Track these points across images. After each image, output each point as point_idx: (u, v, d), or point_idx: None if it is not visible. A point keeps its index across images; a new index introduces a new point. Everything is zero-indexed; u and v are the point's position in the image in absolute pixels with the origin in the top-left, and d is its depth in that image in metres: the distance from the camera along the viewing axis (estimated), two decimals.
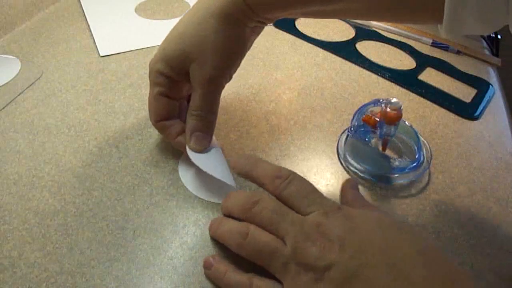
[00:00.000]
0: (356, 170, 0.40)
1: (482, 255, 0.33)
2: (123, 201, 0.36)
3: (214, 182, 0.37)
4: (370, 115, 0.40)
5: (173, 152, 0.41)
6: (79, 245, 0.33)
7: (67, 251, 0.32)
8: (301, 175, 0.39)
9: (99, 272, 0.31)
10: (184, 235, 0.34)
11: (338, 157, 0.42)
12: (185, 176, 0.38)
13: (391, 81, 0.53)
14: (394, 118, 0.38)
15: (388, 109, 0.38)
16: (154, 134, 0.43)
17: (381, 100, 0.39)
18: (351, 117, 0.44)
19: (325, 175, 0.40)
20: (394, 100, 0.38)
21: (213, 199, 0.36)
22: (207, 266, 0.30)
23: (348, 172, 0.40)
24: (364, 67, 0.56)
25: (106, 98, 0.48)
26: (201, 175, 0.38)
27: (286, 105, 0.49)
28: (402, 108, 0.38)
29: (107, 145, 0.42)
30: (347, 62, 0.58)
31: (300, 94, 0.51)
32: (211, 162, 0.36)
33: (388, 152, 0.42)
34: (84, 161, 0.40)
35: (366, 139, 0.40)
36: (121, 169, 0.39)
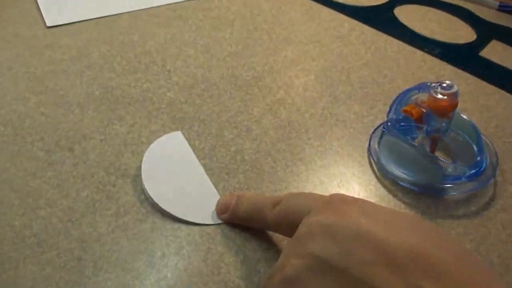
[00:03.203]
0: (394, 179, 0.40)
1: None
2: (80, 223, 0.36)
3: (192, 194, 0.38)
4: (414, 104, 0.40)
5: None
6: (20, 284, 0.33)
7: None
8: (321, 185, 0.40)
9: None
10: (162, 268, 0.34)
11: (370, 161, 0.42)
12: (153, 186, 0.39)
13: (441, 59, 0.54)
14: (447, 108, 0.38)
15: (439, 96, 0.38)
16: (121, 132, 0.43)
17: (429, 84, 0.40)
18: (387, 108, 0.44)
19: (352, 186, 0.40)
20: (447, 83, 0.38)
21: (192, 218, 0.37)
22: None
23: (382, 182, 0.40)
24: (405, 41, 0.56)
25: (56, 84, 0.48)
26: (174, 184, 0.39)
27: (299, 92, 0.49)
28: (458, 94, 0.38)
29: (57, 147, 0.42)
30: (381, 33, 0.58)
31: (318, 78, 0.51)
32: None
33: (437, 154, 0.42)
34: (26, 169, 0.40)
35: (408, 137, 0.40)
36: (76, 179, 0.39)
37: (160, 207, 0.37)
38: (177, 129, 0.44)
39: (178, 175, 0.40)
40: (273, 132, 0.44)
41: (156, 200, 0.38)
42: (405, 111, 0.40)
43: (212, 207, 0.37)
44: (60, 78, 0.49)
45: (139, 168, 0.40)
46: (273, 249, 0.35)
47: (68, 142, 0.42)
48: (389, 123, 0.41)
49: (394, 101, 0.43)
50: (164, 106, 0.46)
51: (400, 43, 0.56)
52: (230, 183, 0.40)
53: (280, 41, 0.56)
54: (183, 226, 0.36)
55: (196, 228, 0.36)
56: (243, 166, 0.41)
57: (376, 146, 0.42)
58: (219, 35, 0.55)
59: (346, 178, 0.41)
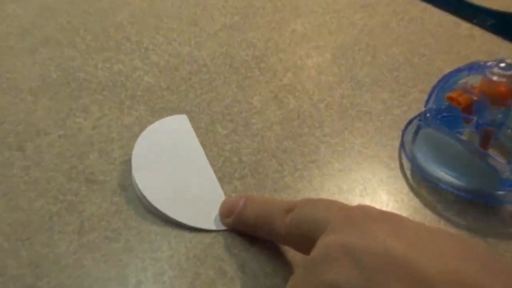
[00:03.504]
0: (436, 182, 0.40)
1: None
2: (32, 242, 0.36)
3: (193, 193, 0.39)
4: (461, 90, 0.40)
5: (119, 154, 0.41)
6: None
7: None
8: (339, 195, 0.40)
9: None
10: None
11: (401, 164, 0.42)
12: (145, 179, 0.39)
13: (495, 32, 0.54)
14: (505, 94, 0.38)
15: (495, 78, 0.38)
16: (85, 126, 0.43)
17: (483, 64, 0.39)
18: (424, 96, 0.44)
19: (379, 195, 0.40)
20: (507, 62, 0.38)
21: (190, 221, 0.37)
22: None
23: (417, 191, 0.40)
24: (447, 10, 0.56)
25: (2, 65, 0.48)
26: (172, 180, 0.39)
27: (312, 76, 0.49)
28: None
29: (3, 145, 0.42)
30: (417, 0, 0.58)
31: (336, 58, 0.51)
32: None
33: (491, 152, 0.42)
34: None
35: (455, 131, 0.40)
36: (28, 186, 0.39)
37: (152, 205, 0.38)
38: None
39: (177, 169, 0.40)
40: (279, 126, 0.44)
41: (146, 195, 0.38)
42: (450, 98, 0.40)
43: (216, 210, 0.38)
44: (7, 57, 0.49)
45: (108, 172, 0.40)
46: (279, 274, 0.35)
47: (18, 139, 0.43)
48: (428, 114, 0.41)
49: (435, 86, 0.43)
50: (140, 93, 0.46)
51: (442, 12, 0.56)
52: (225, 191, 0.40)
53: (287, 10, 0.56)
54: (164, 244, 0.36)
55: (182, 248, 0.36)
56: (241, 170, 0.41)
57: (411, 142, 0.42)
58: (210, 3, 0.55)
59: (372, 186, 0.41)
